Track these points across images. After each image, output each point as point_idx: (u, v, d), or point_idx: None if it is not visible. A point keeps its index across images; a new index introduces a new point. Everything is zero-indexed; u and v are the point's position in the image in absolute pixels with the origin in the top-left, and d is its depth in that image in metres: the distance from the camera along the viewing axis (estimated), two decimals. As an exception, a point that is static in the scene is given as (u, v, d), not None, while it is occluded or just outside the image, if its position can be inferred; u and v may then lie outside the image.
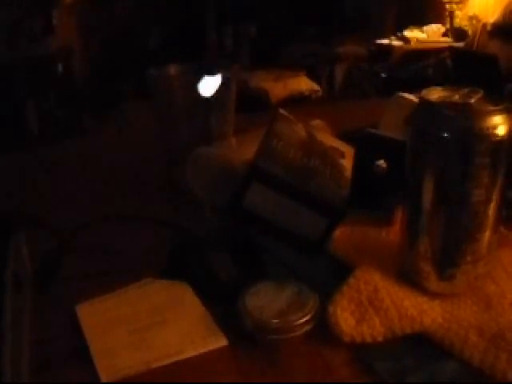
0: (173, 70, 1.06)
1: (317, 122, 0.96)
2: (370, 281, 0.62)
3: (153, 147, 1.16)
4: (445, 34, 4.44)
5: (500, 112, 0.56)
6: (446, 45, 4.19)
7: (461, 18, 4.41)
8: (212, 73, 0.67)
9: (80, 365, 0.57)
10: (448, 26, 4.45)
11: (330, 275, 0.67)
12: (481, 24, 4.03)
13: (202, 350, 0.58)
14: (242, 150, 0.82)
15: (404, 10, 4.67)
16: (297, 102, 3.69)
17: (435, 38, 4.39)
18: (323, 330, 0.58)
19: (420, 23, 4.48)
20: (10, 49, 3.80)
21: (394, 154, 0.69)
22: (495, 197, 0.58)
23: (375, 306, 0.60)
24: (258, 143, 0.75)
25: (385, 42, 4.48)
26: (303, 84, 3.96)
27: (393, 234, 0.73)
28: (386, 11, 4.79)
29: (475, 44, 3.97)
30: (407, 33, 4.43)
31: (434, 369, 0.54)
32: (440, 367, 0.55)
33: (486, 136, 0.55)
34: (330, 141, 0.80)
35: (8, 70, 3.70)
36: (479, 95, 0.59)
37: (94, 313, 0.64)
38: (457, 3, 4.42)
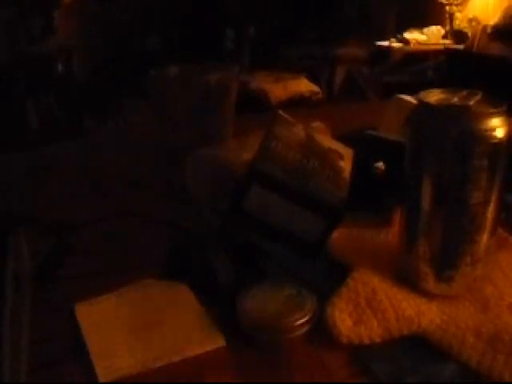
0: (173, 70, 1.07)
1: (316, 124, 0.97)
2: (368, 282, 0.63)
3: (153, 147, 1.17)
4: (445, 36, 4.44)
5: (498, 114, 0.56)
6: (445, 47, 4.19)
7: (461, 20, 4.41)
8: None
9: (78, 364, 0.57)
10: (448, 27, 4.45)
11: (329, 276, 0.67)
12: (481, 26, 4.03)
13: (200, 351, 0.58)
14: (242, 151, 0.82)
15: (404, 11, 4.67)
16: (297, 103, 3.69)
17: (435, 40, 4.39)
18: (321, 331, 0.58)
19: (420, 25, 4.48)
20: (10, 48, 3.80)
21: (393, 155, 0.69)
22: (493, 199, 0.58)
23: (373, 307, 0.60)
24: (257, 145, 0.75)
25: (384, 43, 4.48)
26: (303, 86, 3.96)
27: (391, 235, 0.74)
28: (385, 13, 4.79)
29: (475, 46, 3.97)
30: (407, 35, 4.43)
31: (431, 370, 0.55)
32: (438, 369, 0.55)
33: (485, 138, 0.55)
34: (329, 143, 0.80)
35: (8, 70, 3.70)
36: (478, 97, 0.59)
37: (93, 312, 0.64)
38: (457, 5, 4.43)
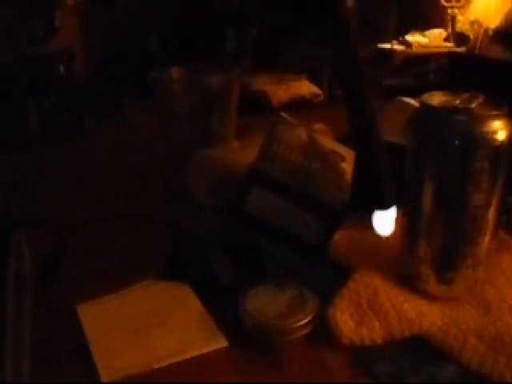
0: (174, 71, 1.07)
1: (318, 126, 0.97)
2: (369, 284, 0.63)
3: (153, 148, 1.17)
4: (446, 39, 4.44)
5: (500, 117, 0.56)
6: (447, 49, 4.19)
7: (462, 23, 4.41)
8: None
9: (81, 364, 0.57)
10: (450, 30, 4.45)
11: (330, 278, 0.67)
12: (482, 29, 4.03)
13: (202, 351, 0.58)
14: (244, 152, 0.82)
15: (406, 14, 4.67)
16: (298, 105, 3.69)
17: (437, 43, 4.39)
18: (323, 332, 0.58)
19: (422, 27, 4.48)
20: (12, 49, 3.80)
21: (394, 157, 0.69)
22: (495, 201, 0.58)
23: (375, 308, 0.60)
24: (259, 146, 0.76)
25: (386, 46, 4.48)
26: (305, 88, 3.95)
27: (393, 237, 0.74)
28: (387, 15, 4.79)
29: (477, 49, 3.97)
30: (409, 37, 4.42)
31: (432, 372, 0.55)
32: (439, 370, 0.55)
33: (486, 140, 0.55)
34: (331, 144, 0.80)
35: (8, 70, 3.70)
36: (480, 100, 0.59)
37: (95, 313, 0.65)
38: (459, 8, 4.43)
